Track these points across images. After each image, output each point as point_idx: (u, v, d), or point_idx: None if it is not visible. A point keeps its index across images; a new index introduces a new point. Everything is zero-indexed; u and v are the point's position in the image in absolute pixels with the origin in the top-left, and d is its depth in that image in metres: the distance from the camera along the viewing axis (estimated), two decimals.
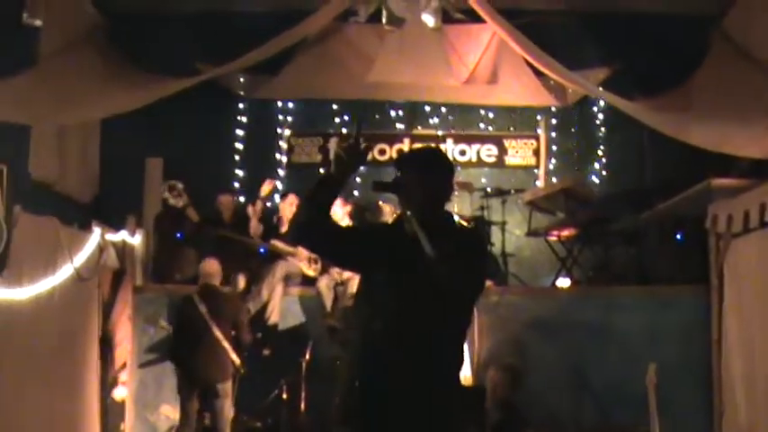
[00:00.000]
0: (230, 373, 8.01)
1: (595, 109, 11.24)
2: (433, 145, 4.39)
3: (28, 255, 6.71)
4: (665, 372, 6.88)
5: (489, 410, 7.31)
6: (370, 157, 10.85)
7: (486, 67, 10.76)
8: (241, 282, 9.03)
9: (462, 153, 11.37)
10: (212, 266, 8.32)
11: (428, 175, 3.92)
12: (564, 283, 9.53)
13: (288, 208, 9.31)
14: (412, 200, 3.88)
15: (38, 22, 7.90)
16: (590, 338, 8.52)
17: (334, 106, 11.43)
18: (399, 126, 11.54)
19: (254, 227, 9.44)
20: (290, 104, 11.51)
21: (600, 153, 11.24)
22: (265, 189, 9.66)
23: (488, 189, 10.33)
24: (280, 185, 11.06)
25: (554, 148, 11.36)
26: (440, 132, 11.47)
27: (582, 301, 8.85)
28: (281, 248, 9.10)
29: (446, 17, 10.09)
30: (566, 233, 9.77)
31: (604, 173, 11.20)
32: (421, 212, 3.83)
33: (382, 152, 11.27)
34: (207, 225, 9.42)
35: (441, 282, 3.67)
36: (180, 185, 9.41)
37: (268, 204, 9.94)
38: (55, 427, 7.36)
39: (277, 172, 11.32)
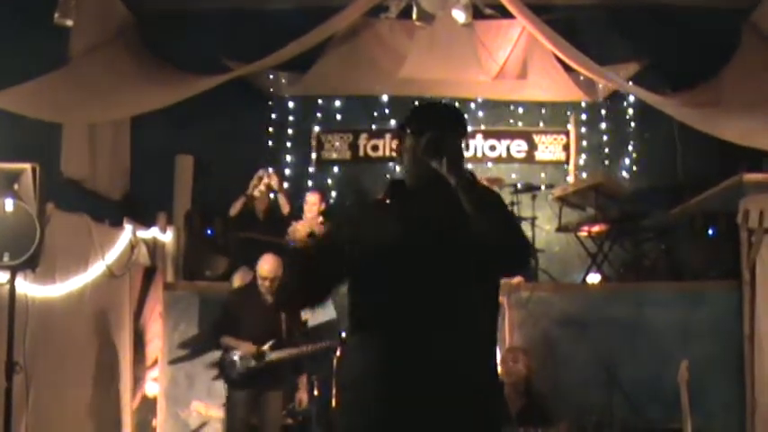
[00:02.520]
0: None
1: (626, 104, 11.14)
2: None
3: (60, 252, 6.78)
4: (697, 368, 6.83)
5: (510, 399, 7.24)
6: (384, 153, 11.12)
7: (516, 62, 10.74)
8: None
9: (492, 149, 11.33)
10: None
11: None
12: (594, 279, 9.46)
13: (312, 206, 9.33)
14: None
15: (69, 22, 7.95)
16: (621, 335, 8.43)
17: (365, 103, 11.42)
18: None
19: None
20: (320, 101, 11.50)
21: (630, 148, 11.15)
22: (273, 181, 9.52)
23: (518, 185, 10.28)
24: (310, 183, 11.11)
25: (584, 143, 11.29)
26: (469, 128, 11.36)
27: (612, 298, 8.77)
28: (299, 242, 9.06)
29: (476, 13, 10.05)
30: (596, 229, 9.71)
31: (635, 168, 11.10)
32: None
33: None
34: (234, 227, 9.36)
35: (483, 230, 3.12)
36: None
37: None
38: (88, 422, 7.43)
39: (307, 169, 11.34)
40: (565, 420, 7.55)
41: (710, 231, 8.67)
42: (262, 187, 9.36)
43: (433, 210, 3.27)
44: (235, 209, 9.44)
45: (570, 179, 11.03)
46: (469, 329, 3.20)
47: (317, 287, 3.44)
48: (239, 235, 9.19)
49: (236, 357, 7.39)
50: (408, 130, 3.41)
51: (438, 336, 3.14)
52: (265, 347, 7.35)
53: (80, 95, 8.20)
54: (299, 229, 9.13)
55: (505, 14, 9.89)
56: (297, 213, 9.53)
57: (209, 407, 8.20)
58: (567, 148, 11.24)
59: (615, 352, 8.35)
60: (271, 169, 9.64)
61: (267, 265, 7.56)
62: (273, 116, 11.44)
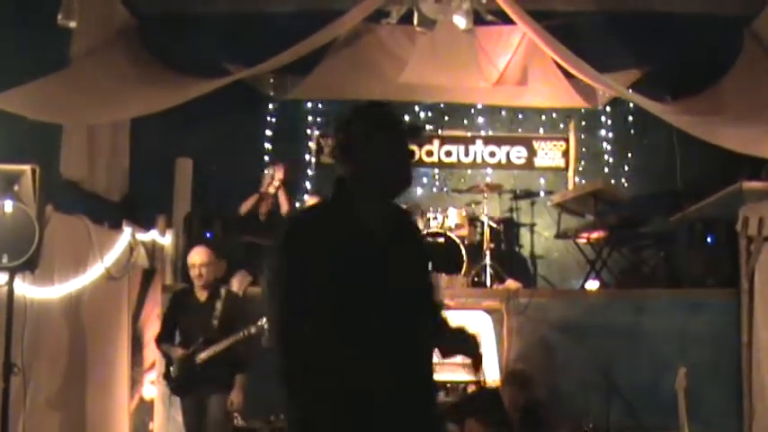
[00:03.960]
0: None
1: (626, 111, 11.15)
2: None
3: (59, 254, 6.76)
4: (695, 375, 6.80)
5: (510, 406, 7.22)
6: None
7: (516, 68, 10.75)
8: None
9: (492, 155, 11.35)
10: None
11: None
12: (593, 285, 9.47)
13: None
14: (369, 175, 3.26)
15: (72, 24, 7.93)
16: (619, 342, 8.40)
17: None
18: (428, 127, 11.50)
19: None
20: (320, 105, 11.53)
21: (630, 155, 11.17)
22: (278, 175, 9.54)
23: (517, 191, 10.33)
24: (308, 186, 11.11)
25: (584, 149, 11.32)
26: (469, 134, 11.46)
27: (611, 304, 8.73)
28: None
29: (477, 18, 10.06)
30: (595, 235, 9.73)
31: (634, 175, 11.13)
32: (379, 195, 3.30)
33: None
34: (233, 232, 9.35)
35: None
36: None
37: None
38: (86, 426, 7.39)
39: (306, 172, 11.33)
40: (563, 426, 7.53)
41: (709, 239, 8.66)
42: (276, 182, 9.40)
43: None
44: (246, 207, 9.45)
45: (569, 185, 11.05)
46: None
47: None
48: (242, 239, 9.18)
49: (171, 365, 7.22)
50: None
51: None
52: (191, 349, 7.08)
53: (80, 97, 8.18)
54: None
55: (506, 20, 9.89)
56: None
57: None
58: (566, 154, 11.26)
59: (613, 359, 8.32)
60: (280, 165, 9.65)
61: (196, 253, 7.38)
62: (273, 120, 11.46)
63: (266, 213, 9.55)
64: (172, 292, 8.02)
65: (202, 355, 7.04)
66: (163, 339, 7.37)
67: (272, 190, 9.44)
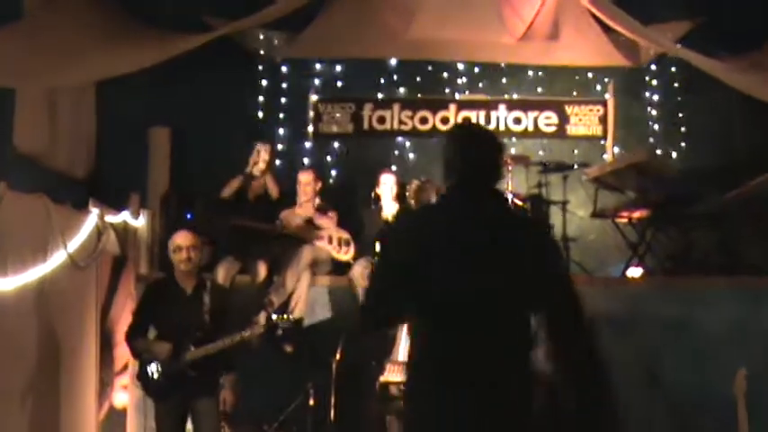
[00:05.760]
0: None
1: (674, 69, 11.13)
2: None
3: (14, 238, 6.68)
4: (757, 377, 6.79)
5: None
6: (410, 126, 11.06)
7: (546, 20, 10.72)
8: (262, 270, 8.94)
9: (517, 121, 11.30)
10: None
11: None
12: (635, 272, 9.45)
13: (305, 187, 9.30)
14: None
15: None
16: (666, 338, 8.43)
17: (370, 67, 11.39)
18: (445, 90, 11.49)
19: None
20: (318, 66, 11.51)
21: (679, 121, 11.14)
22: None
23: (547, 163, 10.24)
24: (306, 160, 11.09)
25: (624, 115, 11.27)
26: (491, 97, 11.41)
27: (657, 295, 8.76)
28: (294, 231, 9.10)
29: None
30: (638, 215, 9.69)
31: (684, 144, 11.10)
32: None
33: (424, 120, 11.24)
34: (218, 213, 9.34)
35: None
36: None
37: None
38: None
39: (303, 144, 11.33)
40: None
41: None
42: (261, 164, 9.40)
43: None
44: (230, 189, 9.42)
45: (607, 157, 11.01)
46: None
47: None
48: (230, 222, 9.16)
49: (152, 364, 7.10)
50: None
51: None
52: (179, 346, 6.99)
53: (37, 56, 8.13)
54: (294, 217, 9.11)
55: None
56: (289, 197, 9.52)
57: None
58: (604, 120, 11.19)
59: (660, 358, 8.38)
60: (267, 144, 9.66)
61: (183, 234, 7.29)
62: (264, 83, 11.45)
63: (255, 196, 9.57)
64: (150, 281, 7.97)
65: (194, 354, 6.97)
66: (136, 334, 7.26)
67: (256, 172, 9.45)
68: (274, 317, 7.38)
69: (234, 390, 7.19)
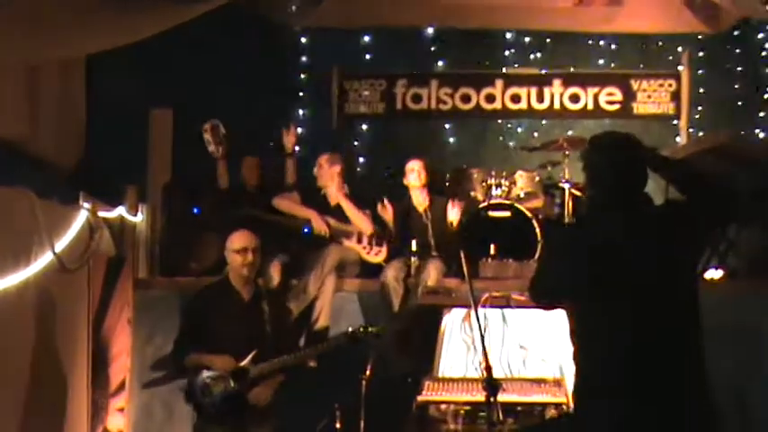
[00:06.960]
0: None
1: (761, 36, 11.16)
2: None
3: None
4: None
5: None
6: (449, 105, 10.87)
7: None
8: (275, 274, 8.79)
9: (574, 99, 11.24)
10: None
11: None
12: (715, 274, 9.25)
13: (328, 175, 9.14)
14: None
15: None
16: (752, 350, 8.18)
17: (402, 37, 11.37)
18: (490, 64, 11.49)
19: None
20: (343, 36, 11.57)
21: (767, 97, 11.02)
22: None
23: None
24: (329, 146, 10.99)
25: (701, 90, 11.29)
26: (544, 71, 11.34)
27: (741, 300, 8.50)
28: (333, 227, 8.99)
29: None
30: None
31: None
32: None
33: (466, 98, 11.13)
34: (231, 202, 9.30)
35: None
36: (223, 129, 9.48)
37: None
38: None
39: (327, 126, 11.29)
40: None
41: None
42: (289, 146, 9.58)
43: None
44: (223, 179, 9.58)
45: (682, 139, 10.92)
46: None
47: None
48: (244, 213, 9.00)
49: (208, 379, 7.08)
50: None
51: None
52: (246, 361, 7.03)
53: (15, 27, 7.95)
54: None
55: None
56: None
57: None
58: (677, 97, 11.11)
59: (745, 373, 8.12)
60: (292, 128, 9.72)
61: (242, 234, 7.38)
62: (282, 56, 11.42)
63: (257, 183, 9.64)
64: (201, 288, 7.84)
65: (258, 371, 7.03)
66: (187, 350, 7.23)
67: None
68: (351, 329, 7.34)
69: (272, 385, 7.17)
